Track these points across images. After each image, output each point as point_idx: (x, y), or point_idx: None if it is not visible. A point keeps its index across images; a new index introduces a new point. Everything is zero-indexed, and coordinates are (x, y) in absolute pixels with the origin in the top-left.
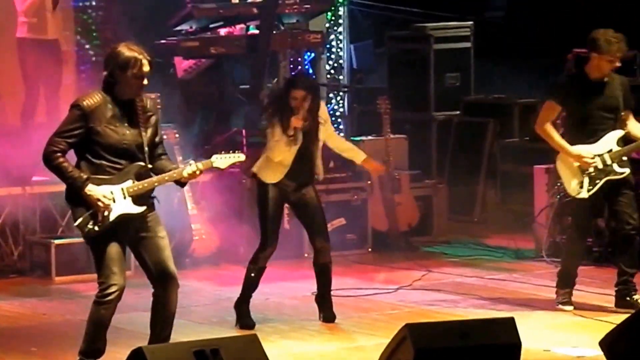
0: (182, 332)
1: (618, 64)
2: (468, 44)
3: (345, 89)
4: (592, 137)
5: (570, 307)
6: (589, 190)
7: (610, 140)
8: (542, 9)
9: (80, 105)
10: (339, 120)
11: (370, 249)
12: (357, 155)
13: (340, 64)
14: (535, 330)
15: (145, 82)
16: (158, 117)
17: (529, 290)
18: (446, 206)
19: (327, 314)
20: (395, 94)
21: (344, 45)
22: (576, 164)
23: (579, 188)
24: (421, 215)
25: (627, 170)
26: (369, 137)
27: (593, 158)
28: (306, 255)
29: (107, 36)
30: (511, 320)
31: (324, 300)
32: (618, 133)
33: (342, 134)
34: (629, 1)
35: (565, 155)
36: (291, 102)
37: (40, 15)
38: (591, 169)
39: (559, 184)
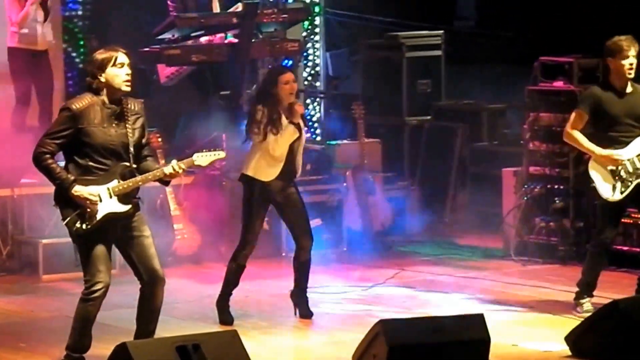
0: (165, 328)
1: (634, 60)
2: (439, 52)
3: (322, 95)
4: (618, 144)
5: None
6: (622, 193)
7: (638, 145)
8: (510, 18)
9: (69, 108)
10: (316, 124)
11: (345, 248)
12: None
13: (317, 71)
14: (503, 326)
15: (128, 71)
16: (145, 119)
17: (498, 288)
18: (418, 207)
19: (303, 311)
20: (370, 99)
21: (320, 53)
22: (610, 167)
23: (612, 191)
24: (394, 215)
25: None
26: (345, 141)
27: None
28: (283, 254)
29: (93, 44)
30: (481, 317)
31: (301, 296)
32: None
33: (318, 138)
34: (595, 11)
35: (596, 158)
36: (283, 90)
37: (31, 27)
38: (623, 173)
39: (592, 185)
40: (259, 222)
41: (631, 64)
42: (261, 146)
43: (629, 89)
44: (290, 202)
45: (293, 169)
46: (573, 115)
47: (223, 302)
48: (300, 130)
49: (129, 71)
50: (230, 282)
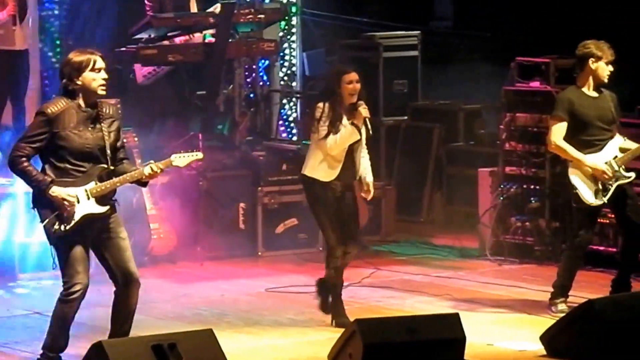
0: (141, 327)
1: (612, 68)
2: (415, 53)
3: (298, 95)
4: (592, 147)
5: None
6: (604, 196)
7: (613, 148)
8: (487, 19)
9: (45, 112)
10: (292, 125)
11: (321, 248)
12: None
13: (293, 71)
14: (479, 326)
15: (105, 75)
16: (120, 123)
17: (474, 288)
18: (394, 207)
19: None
20: None
21: (296, 53)
22: (591, 172)
23: (594, 195)
24: (370, 215)
25: (633, 175)
26: None
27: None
28: (259, 253)
29: (69, 44)
30: (456, 316)
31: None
32: (619, 140)
33: (294, 138)
34: (571, 11)
35: (579, 165)
36: (346, 89)
37: (7, 28)
38: (605, 176)
39: (575, 192)
40: (335, 221)
41: (610, 70)
42: (320, 145)
43: (598, 93)
44: (345, 205)
45: (353, 171)
46: (554, 124)
47: (336, 306)
48: (360, 132)
49: (106, 75)
50: (335, 285)
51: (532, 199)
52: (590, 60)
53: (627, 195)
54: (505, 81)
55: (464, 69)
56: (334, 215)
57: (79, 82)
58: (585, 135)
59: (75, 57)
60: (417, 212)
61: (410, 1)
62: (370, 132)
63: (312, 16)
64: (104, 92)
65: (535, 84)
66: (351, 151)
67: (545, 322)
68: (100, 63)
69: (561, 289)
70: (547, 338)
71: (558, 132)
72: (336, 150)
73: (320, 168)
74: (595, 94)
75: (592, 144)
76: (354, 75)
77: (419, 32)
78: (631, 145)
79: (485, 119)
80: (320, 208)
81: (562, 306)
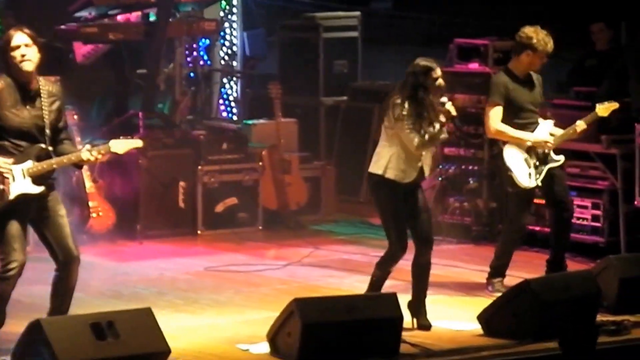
0: (79, 306)
1: (546, 60)
2: (355, 33)
3: (239, 75)
4: (524, 130)
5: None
6: (536, 179)
7: (543, 131)
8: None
9: None
10: (232, 104)
11: (260, 227)
12: None
13: (234, 50)
14: None
15: (23, 51)
16: (62, 102)
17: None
18: (334, 187)
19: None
20: (286, 79)
21: (237, 33)
22: (524, 155)
23: (528, 178)
24: (310, 195)
25: (562, 158)
26: (261, 121)
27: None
28: (199, 232)
29: (10, 22)
30: (394, 296)
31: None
32: (549, 123)
33: (235, 117)
34: None
35: (514, 148)
36: (435, 86)
37: None
38: (536, 160)
39: (509, 174)
40: (404, 223)
41: (546, 61)
42: (403, 144)
43: (527, 77)
44: (416, 204)
45: (424, 170)
46: (491, 109)
47: (416, 305)
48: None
49: (25, 52)
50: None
51: (470, 179)
52: (526, 52)
53: (556, 176)
54: (444, 62)
55: (404, 50)
56: (404, 217)
57: (7, 62)
58: (519, 118)
59: (4, 36)
60: (356, 192)
61: None
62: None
63: None
64: (28, 68)
65: (474, 66)
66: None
67: (483, 302)
68: (18, 39)
69: (498, 269)
70: (485, 317)
71: (496, 116)
72: (424, 149)
73: (396, 167)
74: (525, 78)
75: (525, 126)
76: (440, 71)
77: (359, 13)
78: (557, 130)
79: None
80: (395, 210)
81: (499, 285)
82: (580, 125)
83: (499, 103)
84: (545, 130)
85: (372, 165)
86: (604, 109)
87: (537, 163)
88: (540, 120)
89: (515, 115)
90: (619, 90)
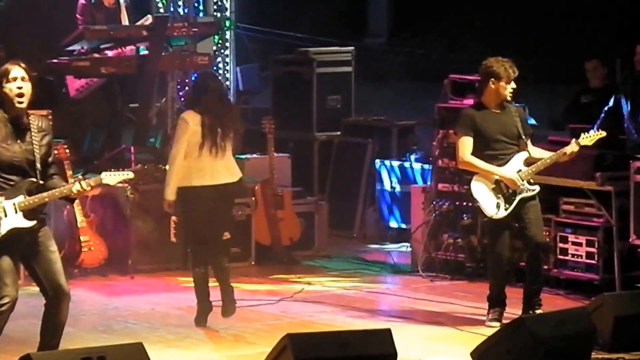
0: (70, 340)
1: (514, 86)
2: (349, 68)
3: None
4: (496, 161)
5: (498, 324)
6: (506, 210)
7: (517, 162)
8: (421, 36)
9: None
10: None
11: (253, 262)
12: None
13: (227, 85)
14: (410, 341)
15: (20, 84)
16: (51, 137)
17: (406, 303)
18: (327, 222)
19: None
20: (280, 114)
21: (230, 67)
22: (492, 185)
23: (496, 209)
24: (303, 230)
25: (537, 188)
26: (254, 155)
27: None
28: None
29: (0, 55)
30: (388, 332)
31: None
32: (523, 154)
33: None
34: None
35: (482, 178)
36: None
37: None
38: (505, 190)
39: (476, 205)
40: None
41: (513, 89)
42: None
43: (501, 108)
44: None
45: None
46: (460, 142)
47: None
48: None
49: (22, 85)
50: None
51: (464, 215)
52: (491, 81)
53: (530, 209)
54: (438, 98)
55: (398, 86)
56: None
57: (1, 95)
58: (489, 149)
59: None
60: (349, 227)
61: (344, 17)
62: None
63: (246, 30)
64: (21, 105)
65: (469, 101)
66: None
67: (476, 338)
68: (16, 72)
69: (492, 301)
70: (478, 354)
71: (465, 147)
72: None
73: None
74: (498, 110)
75: (496, 158)
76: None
77: (352, 48)
78: (542, 154)
79: (418, 136)
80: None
81: (494, 316)
82: (559, 154)
83: (465, 134)
84: (518, 163)
85: None
86: (587, 139)
87: (508, 193)
88: (517, 152)
89: (485, 146)
90: (613, 126)
